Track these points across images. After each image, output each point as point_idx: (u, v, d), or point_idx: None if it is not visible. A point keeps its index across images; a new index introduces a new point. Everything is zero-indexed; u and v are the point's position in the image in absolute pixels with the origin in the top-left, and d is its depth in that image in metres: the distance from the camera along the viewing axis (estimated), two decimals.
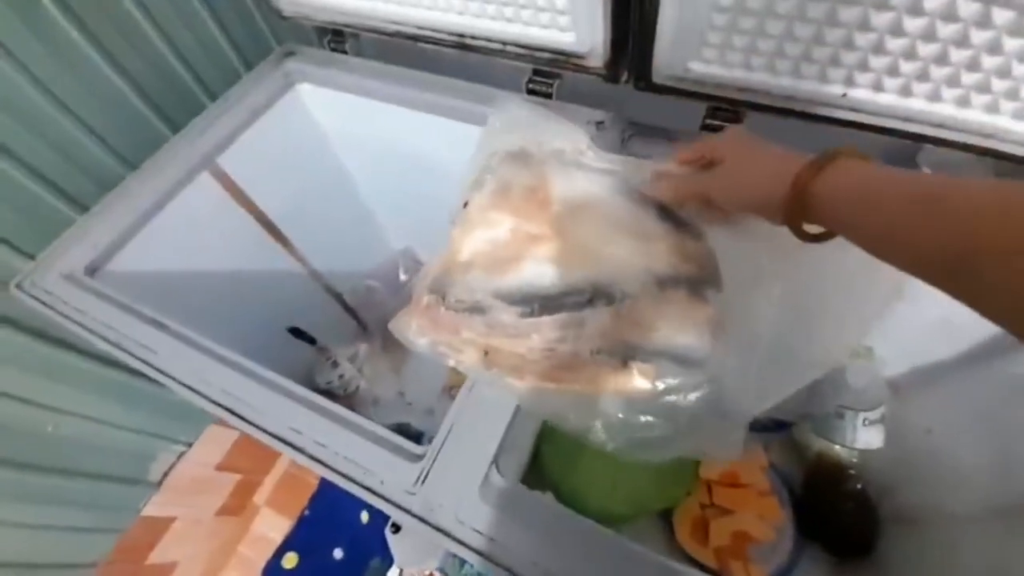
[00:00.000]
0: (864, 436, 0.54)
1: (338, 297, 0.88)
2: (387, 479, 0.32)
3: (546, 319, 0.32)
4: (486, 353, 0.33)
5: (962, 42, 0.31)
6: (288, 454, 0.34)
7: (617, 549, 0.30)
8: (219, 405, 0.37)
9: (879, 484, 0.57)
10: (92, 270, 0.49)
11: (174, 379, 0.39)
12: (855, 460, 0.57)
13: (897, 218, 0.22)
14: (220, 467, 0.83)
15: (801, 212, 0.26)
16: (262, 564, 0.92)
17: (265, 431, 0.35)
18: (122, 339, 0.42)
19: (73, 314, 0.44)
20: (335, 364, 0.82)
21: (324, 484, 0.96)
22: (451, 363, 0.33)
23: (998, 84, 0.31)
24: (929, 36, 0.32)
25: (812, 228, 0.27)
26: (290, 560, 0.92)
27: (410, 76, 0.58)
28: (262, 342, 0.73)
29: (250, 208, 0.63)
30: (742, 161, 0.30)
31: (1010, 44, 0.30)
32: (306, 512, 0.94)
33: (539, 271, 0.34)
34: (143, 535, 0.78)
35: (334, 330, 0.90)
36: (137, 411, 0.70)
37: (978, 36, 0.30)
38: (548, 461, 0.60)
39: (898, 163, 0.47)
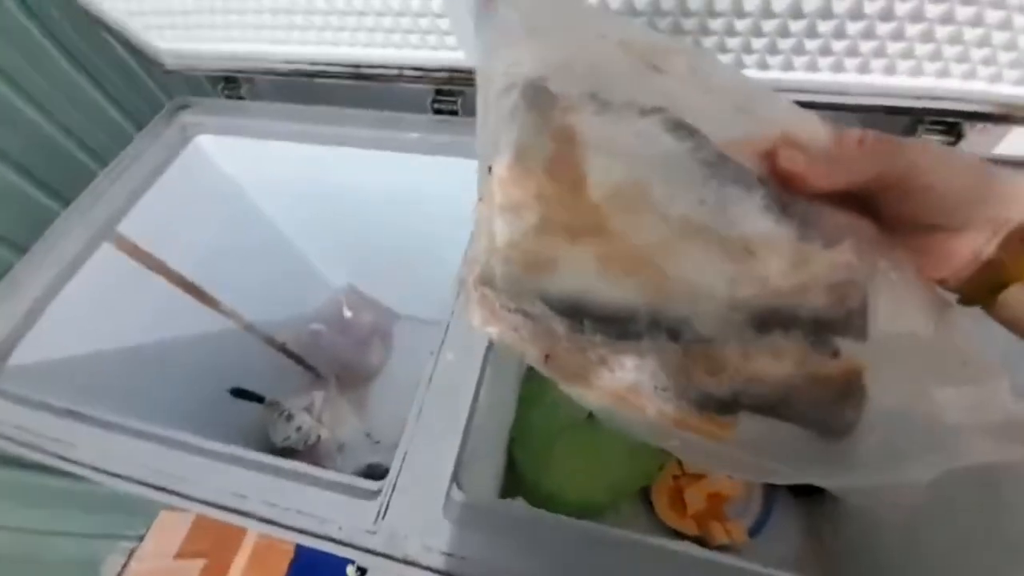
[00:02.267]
0: None
1: (281, 347, 0.84)
2: (344, 523, 0.31)
3: (599, 338, 0.21)
4: (547, 357, 0.22)
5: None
6: (237, 523, 0.32)
7: (595, 537, 0.31)
8: (153, 487, 0.34)
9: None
10: None
11: (99, 470, 0.36)
12: None
13: None
14: (180, 555, 0.77)
15: (986, 293, 0.19)
16: None
17: (208, 503, 0.33)
18: (34, 438, 0.38)
19: None
20: (290, 417, 0.78)
21: (301, 547, 0.91)
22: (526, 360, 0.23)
23: (865, 46, 0.35)
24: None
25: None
26: None
27: (313, 112, 0.57)
28: (205, 411, 0.69)
29: (165, 273, 0.60)
30: (937, 164, 0.19)
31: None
32: None
33: (580, 280, 0.21)
34: None
35: (284, 382, 0.86)
36: (73, 514, 0.64)
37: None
38: (522, 464, 0.61)
39: None
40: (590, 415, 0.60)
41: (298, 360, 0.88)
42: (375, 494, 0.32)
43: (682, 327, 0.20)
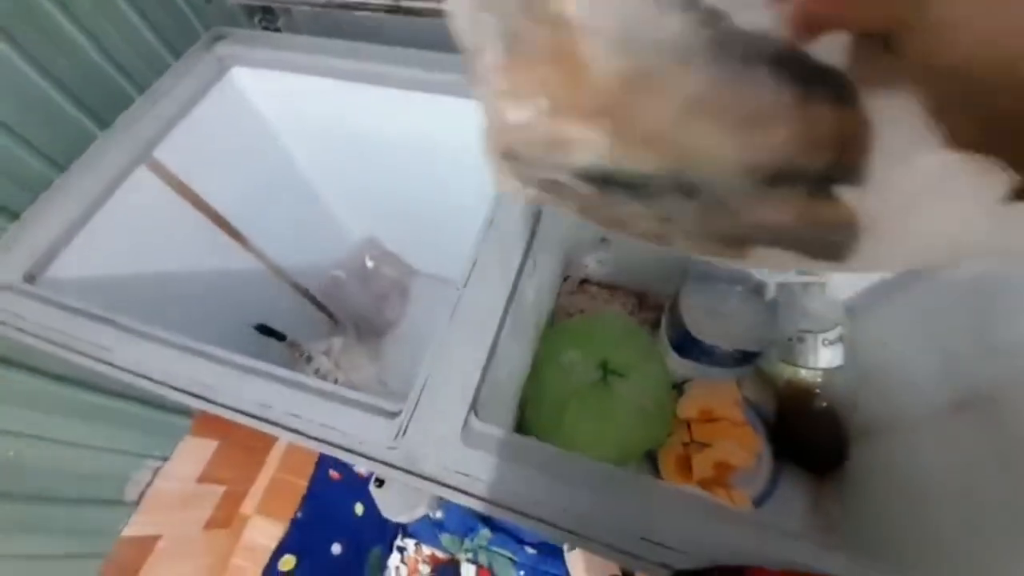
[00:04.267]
0: (825, 356, 0.57)
1: (305, 292, 0.86)
2: (365, 439, 0.32)
3: (625, 198, 0.23)
4: (581, 209, 0.25)
5: None
6: (262, 429, 0.33)
7: (607, 474, 0.31)
8: (184, 392, 0.36)
9: (844, 401, 0.60)
10: (31, 278, 0.46)
11: (132, 372, 0.37)
12: (819, 381, 0.60)
13: None
14: (201, 480, 0.81)
15: None
16: (259, 572, 0.91)
17: (235, 410, 0.34)
18: (71, 340, 0.40)
19: (14, 322, 0.41)
20: (309, 359, 0.80)
21: (314, 484, 0.95)
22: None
23: None
24: None
25: None
26: (287, 563, 0.90)
27: (349, 48, 0.56)
28: (229, 342, 0.71)
29: (197, 203, 0.61)
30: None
31: None
32: (298, 514, 0.92)
33: (599, 155, 0.21)
34: (127, 557, 0.75)
35: (305, 325, 0.88)
36: (102, 429, 0.67)
37: None
38: (533, 419, 0.61)
39: None
40: (603, 377, 0.61)
41: (319, 306, 0.90)
42: (395, 414, 0.33)
43: (699, 189, 0.21)
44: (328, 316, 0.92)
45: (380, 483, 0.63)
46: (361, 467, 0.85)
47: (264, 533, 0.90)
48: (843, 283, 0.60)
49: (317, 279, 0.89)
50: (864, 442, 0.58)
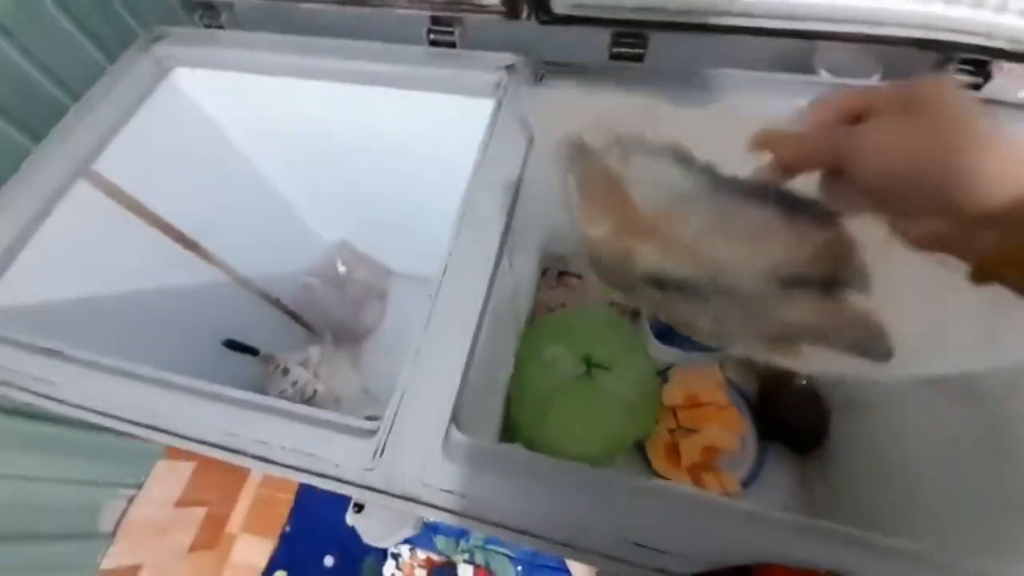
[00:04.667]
0: None
1: (276, 302, 0.82)
2: (341, 461, 0.31)
3: (681, 297, 0.29)
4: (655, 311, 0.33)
5: None
6: (230, 460, 0.31)
7: (593, 479, 0.30)
8: (139, 424, 0.33)
9: (824, 378, 0.61)
10: None
11: (82, 407, 0.34)
12: None
13: None
14: (181, 503, 0.78)
15: (977, 206, 0.18)
16: None
17: (197, 440, 0.32)
18: (12, 376, 0.37)
19: None
20: (285, 371, 0.77)
21: (301, 496, 0.92)
22: None
23: None
24: None
25: None
26: None
27: (299, 43, 0.53)
28: (196, 363, 0.68)
29: (147, 216, 0.57)
30: (887, 149, 0.20)
31: None
32: (287, 529, 0.90)
33: (653, 263, 0.29)
34: None
35: (279, 336, 0.85)
36: (65, 460, 0.63)
37: None
38: (518, 418, 0.60)
39: (794, 69, 0.49)
40: (587, 371, 0.60)
41: (293, 316, 0.87)
42: (372, 433, 0.31)
43: (732, 290, 0.27)
44: (303, 325, 0.89)
45: (359, 508, 0.61)
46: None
47: (253, 551, 0.87)
48: None
49: (289, 287, 0.85)
50: (845, 417, 0.59)
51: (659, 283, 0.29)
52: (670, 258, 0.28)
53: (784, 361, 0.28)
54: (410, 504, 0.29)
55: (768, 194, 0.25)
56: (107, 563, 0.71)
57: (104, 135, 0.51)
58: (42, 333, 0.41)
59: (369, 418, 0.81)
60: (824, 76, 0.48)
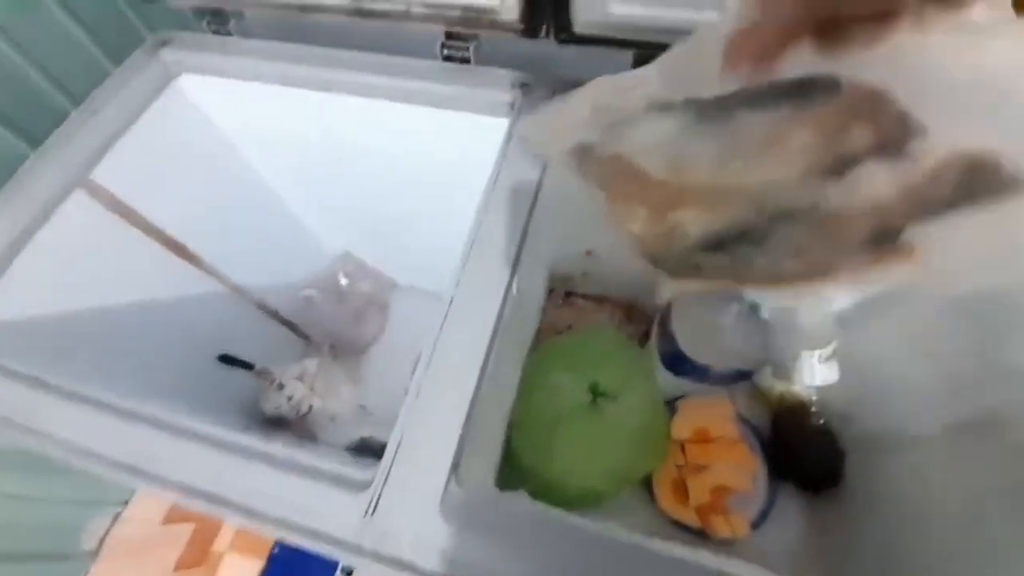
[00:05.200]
0: (821, 373, 0.55)
1: (274, 313, 0.80)
2: (331, 517, 0.28)
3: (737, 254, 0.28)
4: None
5: None
6: (212, 512, 0.29)
7: (602, 539, 0.28)
8: (121, 466, 0.31)
9: (839, 416, 0.59)
10: None
11: (62, 443, 0.32)
12: (815, 397, 0.58)
13: None
14: (168, 520, 0.75)
15: None
16: None
17: (181, 487, 0.30)
18: None
19: None
20: (281, 386, 0.75)
21: None
22: None
23: None
24: None
25: None
26: None
27: (309, 54, 0.51)
28: (192, 377, 0.66)
29: (145, 227, 0.55)
30: None
31: None
32: (275, 549, 0.87)
33: (702, 224, 0.28)
34: None
35: (276, 349, 0.83)
36: (46, 479, 0.61)
37: None
38: (521, 450, 0.58)
39: None
40: (594, 400, 0.57)
41: (291, 327, 0.84)
42: (366, 485, 0.29)
43: (786, 209, 0.25)
44: (301, 337, 0.87)
45: (348, 574, 0.58)
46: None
47: (240, 571, 0.84)
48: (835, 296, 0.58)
49: (288, 298, 0.83)
50: (862, 459, 0.57)
51: (718, 245, 0.28)
52: (711, 211, 0.27)
53: (896, 263, 0.23)
54: (403, 572, 0.26)
55: (763, 93, 0.22)
56: None
57: (105, 142, 0.50)
58: (30, 351, 0.40)
59: (362, 442, 0.78)
60: None
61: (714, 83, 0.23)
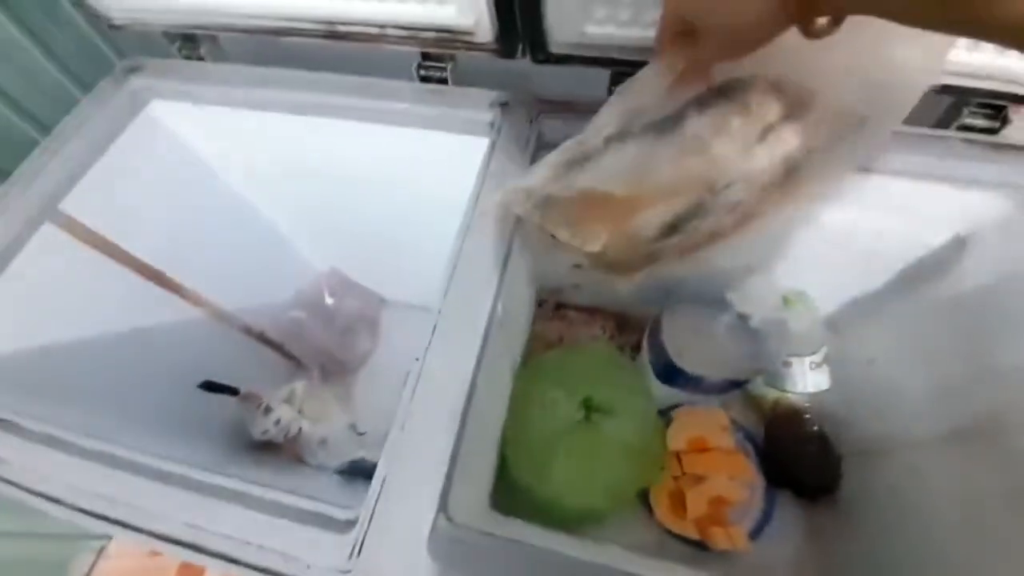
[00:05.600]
0: (812, 379, 0.55)
1: (260, 335, 0.79)
2: (313, 561, 0.27)
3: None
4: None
5: None
6: (188, 559, 0.28)
7: (598, 569, 0.27)
8: (92, 515, 0.30)
9: (834, 422, 0.59)
10: None
11: (33, 492, 0.31)
12: (808, 403, 0.58)
13: None
14: (155, 552, 0.73)
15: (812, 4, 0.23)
16: None
17: (155, 535, 0.29)
18: None
19: None
20: (268, 410, 0.73)
21: None
22: None
23: None
24: None
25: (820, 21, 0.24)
26: None
27: (284, 77, 0.50)
28: (178, 406, 0.64)
29: (119, 256, 0.53)
30: None
31: None
32: None
33: (661, 214, 0.34)
34: None
35: (264, 371, 0.82)
36: (32, 515, 0.59)
37: None
38: (516, 468, 0.57)
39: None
40: (587, 416, 0.57)
41: (278, 349, 0.83)
42: (350, 525, 0.28)
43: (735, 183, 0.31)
44: (289, 359, 0.85)
45: None
46: None
47: None
48: (824, 298, 0.58)
49: (273, 319, 0.82)
50: (858, 464, 0.57)
51: (673, 228, 0.34)
52: (669, 203, 0.33)
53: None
54: None
55: (704, 97, 0.30)
56: None
57: (74, 172, 0.48)
58: (3, 389, 0.38)
59: (353, 465, 0.76)
60: None
61: (666, 105, 0.31)
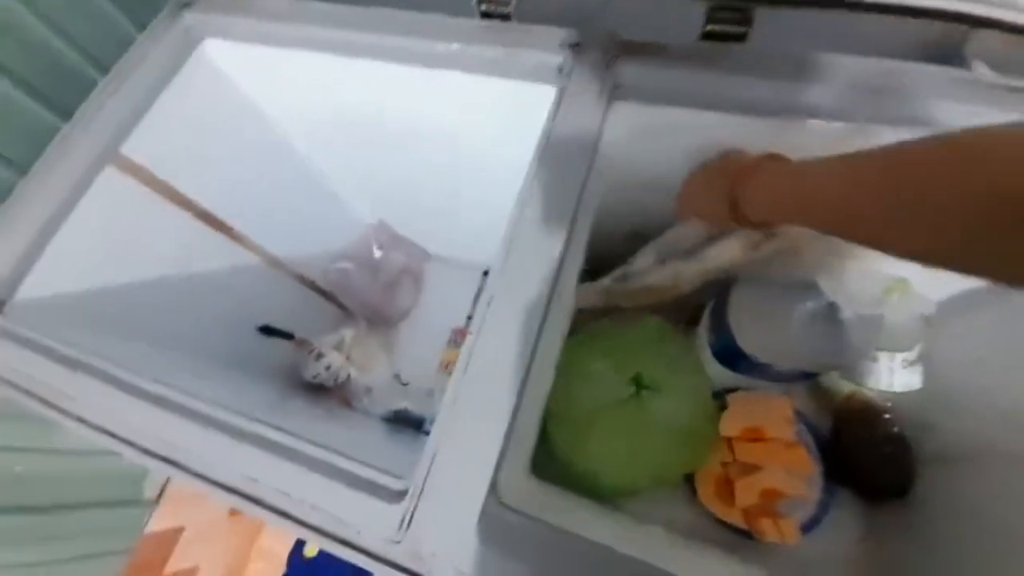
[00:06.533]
0: (903, 378, 0.49)
1: (311, 284, 0.80)
2: (364, 527, 0.27)
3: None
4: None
5: None
6: (243, 509, 0.28)
7: (647, 568, 0.26)
8: (155, 456, 0.31)
9: (915, 423, 0.53)
10: None
11: (98, 428, 0.32)
12: (889, 403, 0.52)
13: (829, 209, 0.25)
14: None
15: (745, 221, 0.33)
16: (286, 554, 0.92)
17: (214, 483, 0.29)
18: (37, 387, 0.35)
19: None
20: (319, 356, 0.76)
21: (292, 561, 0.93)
22: None
23: None
24: None
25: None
26: (312, 550, 0.91)
27: (338, 14, 0.46)
28: (234, 347, 0.67)
29: (178, 200, 0.54)
30: (693, 196, 0.41)
31: None
32: None
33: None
34: (153, 550, 0.76)
35: (314, 318, 0.84)
36: (49, 546, 0.65)
37: None
38: (557, 439, 0.56)
39: (941, 60, 0.38)
40: (636, 393, 0.54)
41: (328, 297, 0.84)
42: (401, 495, 0.28)
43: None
44: (338, 307, 0.87)
45: None
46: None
47: None
48: (926, 286, 0.51)
49: (323, 269, 0.83)
50: (936, 470, 0.51)
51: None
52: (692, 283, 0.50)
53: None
54: None
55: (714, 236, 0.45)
56: (151, 527, 0.74)
57: (132, 114, 0.48)
58: (72, 330, 0.40)
59: (396, 415, 0.77)
60: (982, 72, 0.37)
61: (692, 240, 0.47)
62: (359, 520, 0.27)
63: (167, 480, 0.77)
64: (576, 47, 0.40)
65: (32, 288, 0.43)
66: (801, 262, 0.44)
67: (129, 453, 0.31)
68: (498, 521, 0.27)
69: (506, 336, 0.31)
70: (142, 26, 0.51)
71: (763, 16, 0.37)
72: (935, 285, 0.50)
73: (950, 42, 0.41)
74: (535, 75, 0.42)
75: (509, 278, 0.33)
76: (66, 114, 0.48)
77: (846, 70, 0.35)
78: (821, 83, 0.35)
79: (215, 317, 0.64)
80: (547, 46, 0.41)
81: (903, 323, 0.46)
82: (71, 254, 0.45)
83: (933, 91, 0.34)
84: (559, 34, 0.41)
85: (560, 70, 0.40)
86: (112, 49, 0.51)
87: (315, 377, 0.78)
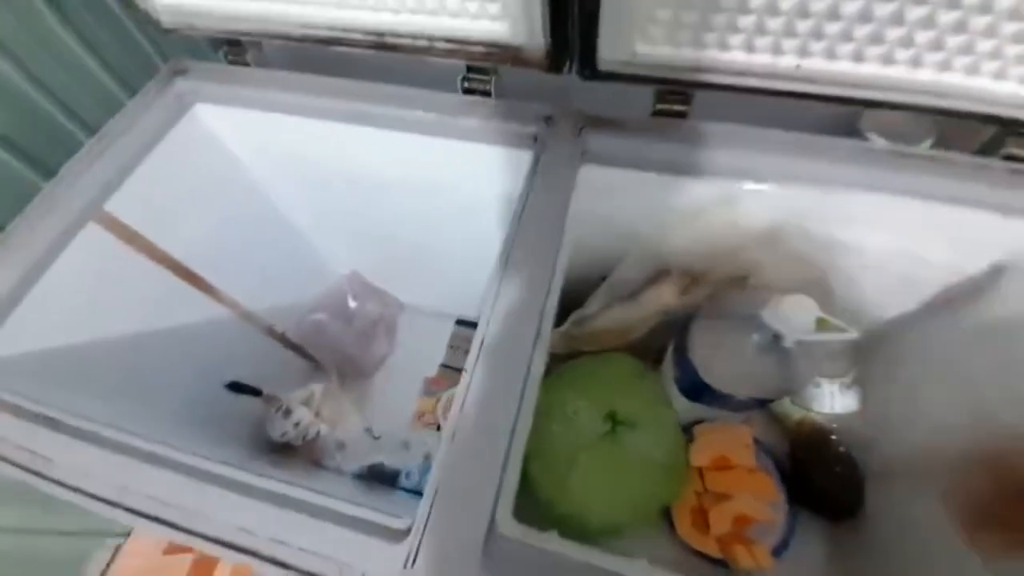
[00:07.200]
0: (841, 401, 0.55)
1: (281, 337, 0.79)
2: (369, 570, 0.27)
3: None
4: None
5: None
6: (238, 562, 0.28)
7: None
8: (143, 515, 0.30)
9: (859, 442, 0.58)
10: None
11: (81, 492, 0.31)
12: (834, 424, 0.58)
13: None
14: (169, 551, 0.73)
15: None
16: None
17: (207, 538, 0.29)
18: (5, 448, 0.34)
19: None
20: (287, 412, 0.74)
21: None
22: None
23: (952, 41, 0.31)
24: None
25: None
26: None
27: (326, 85, 0.51)
28: (201, 404, 0.65)
29: (157, 256, 0.54)
30: None
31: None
32: None
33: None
34: None
35: (283, 373, 0.82)
36: (50, 513, 0.59)
37: None
38: (538, 480, 0.57)
39: (845, 132, 0.48)
40: (612, 429, 0.57)
41: (298, 351, 0.83)
42: (404, 534, 0.28)
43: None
44: (308, 360, 0.86)
45: None
46: None
47: None
48: (859, 320, 0.58)
49: (296, 322, 0.82)
50: (881, 485, 0.56)
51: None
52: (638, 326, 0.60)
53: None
54: None
55: (649, 279, 0.57)
56: None
57: (119, 174, 0.49)
58: (41, 388, 0.38)
59: (371, 470, 0.76)
60: (876, 141, 0.47)
61: (631, 286, 0.56)
62: (362, 562, 0.28)
63: (108, 564, 0.69)
64: (549, 119, 0.46)
65: (2, 346, 0.41)
66: (744, 297, 0.50)
67: (118, 516, 0.30)
68: (500, 552, 0.28)
69: (497, 375, 0.34)
70: (134, 91, 0.54)
71: (702, 98, 0.45)
72: (865, 316, 0.57)
73: (849, 119, 0.52)
74: (513, 142, 0.47)
75: (498, 321, 0.36)
76: (50, 173, 0.49)
77: (769, 141, 0.43)
78: (750, 151, 0.43)
79: (184, 374, 0.62)
80: (524, 118, 0.47)
81: (839, 351, 0.52)
82: (45, 312, 0.44)
83: (838, 158, 0.42)
84: (534, 108, 0.47)
85: (535, 138, 0.46)
86: (101, 112, 0.52)
87: (283, 435, 0.75)
